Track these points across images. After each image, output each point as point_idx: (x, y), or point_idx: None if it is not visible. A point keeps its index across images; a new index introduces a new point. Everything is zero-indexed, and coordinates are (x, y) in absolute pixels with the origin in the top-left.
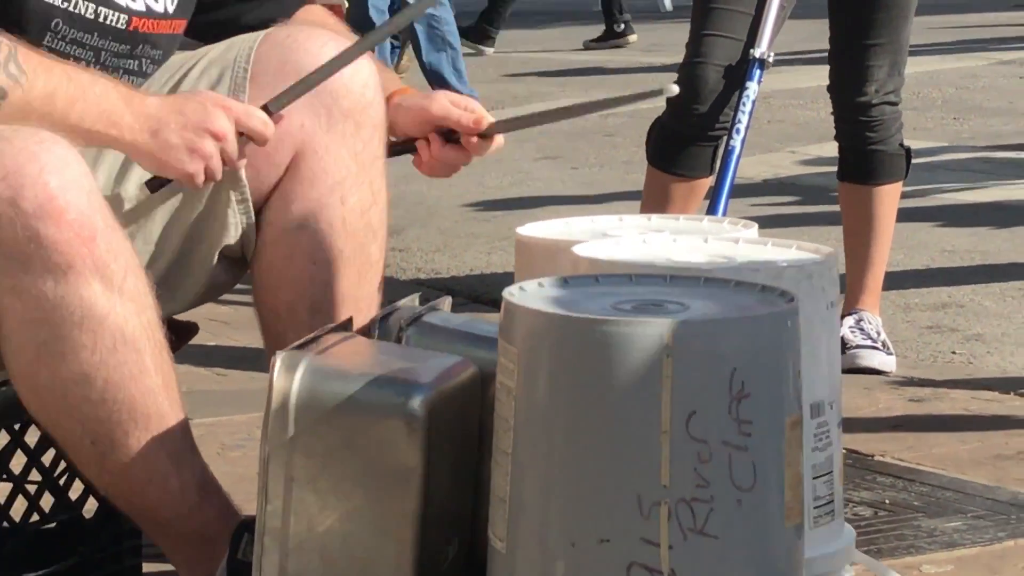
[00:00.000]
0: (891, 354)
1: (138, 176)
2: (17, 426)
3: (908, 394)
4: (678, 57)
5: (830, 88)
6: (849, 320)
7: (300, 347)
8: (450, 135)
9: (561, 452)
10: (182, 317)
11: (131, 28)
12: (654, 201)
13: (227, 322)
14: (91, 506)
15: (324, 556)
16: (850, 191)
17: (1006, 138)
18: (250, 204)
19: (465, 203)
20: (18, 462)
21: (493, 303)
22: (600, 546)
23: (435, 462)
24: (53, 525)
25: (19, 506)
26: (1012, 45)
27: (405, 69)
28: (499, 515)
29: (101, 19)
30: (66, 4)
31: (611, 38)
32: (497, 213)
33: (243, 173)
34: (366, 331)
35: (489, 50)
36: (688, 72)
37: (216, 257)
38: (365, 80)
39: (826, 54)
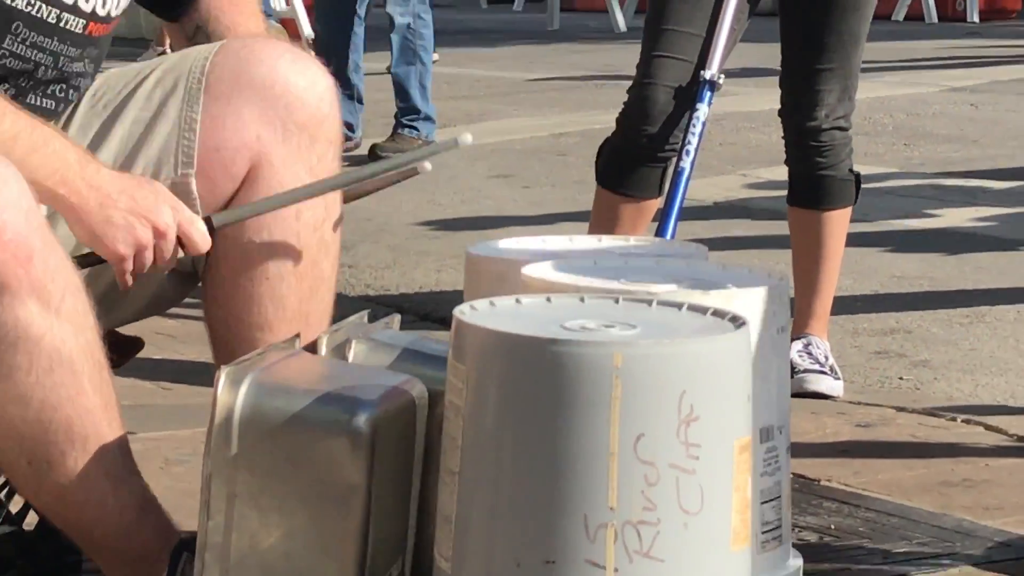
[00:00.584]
0: (839, 379)
1: None
2: None
3: (855, 419)
4: (630, 77)
5: (781, 112)
6: (797, 344)
7: (245, 362)
8: None
9: (508, 472)
10: (128, 331)
11: (88, 33)
12: (603, 221)
13: (173, 336)
14: (32, 519)
15: (265, 573)
16: (800, 216)
17: (956, 165)
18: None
19: (416, 220)
20: None
21: (442, 321)
22: (546, 567)
23: (380, 480)
24: None
25: None
26: (963, 73)
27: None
28: (445, 534)
29: (62, 24)
30: (29, 8)
31: None
32: (447, 231)
33: (194, 185)
34: (312, 347)
35: None
36: (638, 93)
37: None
38: (321, 94)
39: (778, 77)
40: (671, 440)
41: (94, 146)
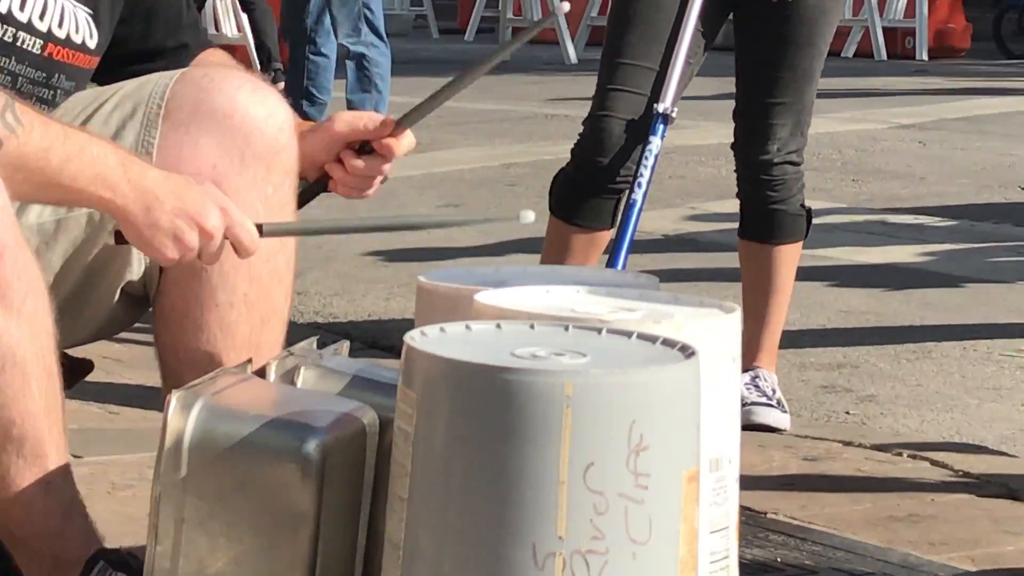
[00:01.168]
0: (786, 412)
1: (38, 206)
2: None
3: (802, 452)
4: (581, 109)
5: (733, 145)
6: (745, 377)
7: (196, 386)
8: (362, 148)
9: (457, 499)
10: (77, 353)
11: (45, 54)
12: (554, 251)
13: (120, 360)
14: None
15: None
16: (750, 249)
17: (903, 201)
18: None
19: (364, 249)
20: None
21: (391, 349)
22: None
23: (329, 507)
24: None
25: None
26: (911, 110)
27: None
28: (393, 561)
29: (18, 43)
30: None
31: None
32: (396, 260)
33: None
34: (262, 373)
35: None
36: (593, 124)
37: (117, 294)
38: (280, 124)
39: (731, 112)
40: (620, 469)
41: None
